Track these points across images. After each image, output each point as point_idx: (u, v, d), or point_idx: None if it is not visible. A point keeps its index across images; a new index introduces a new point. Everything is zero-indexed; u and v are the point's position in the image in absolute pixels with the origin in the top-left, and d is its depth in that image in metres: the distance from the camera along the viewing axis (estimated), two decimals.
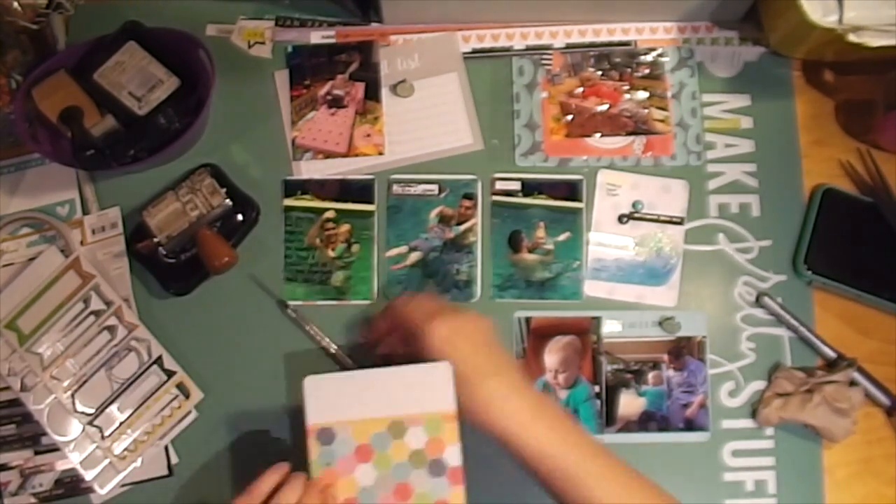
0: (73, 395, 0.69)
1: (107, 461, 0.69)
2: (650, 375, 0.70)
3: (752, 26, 0.77)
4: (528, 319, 0.71)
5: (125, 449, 0.69)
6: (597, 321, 0.71)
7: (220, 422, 0.70)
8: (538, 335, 0.71)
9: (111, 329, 0.71)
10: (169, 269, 0.71)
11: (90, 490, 0.69)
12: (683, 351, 0.70)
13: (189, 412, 0.70)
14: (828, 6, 0.67)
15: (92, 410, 0.69)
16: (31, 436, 0.70)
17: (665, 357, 0.70)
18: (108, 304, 0.71)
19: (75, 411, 0.69)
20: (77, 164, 0.71)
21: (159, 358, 0.70)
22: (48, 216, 0.73)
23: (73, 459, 0.69)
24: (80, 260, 0.71)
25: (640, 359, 0.70)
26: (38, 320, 0.70)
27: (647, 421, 0.69)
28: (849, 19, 0.66)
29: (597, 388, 0.70)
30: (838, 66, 0.76)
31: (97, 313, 0.71)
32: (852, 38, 0.67)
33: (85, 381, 0.70)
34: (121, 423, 0.69)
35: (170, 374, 0.70)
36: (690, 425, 0.69)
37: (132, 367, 0.70)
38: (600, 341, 0.70)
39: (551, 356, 0.70)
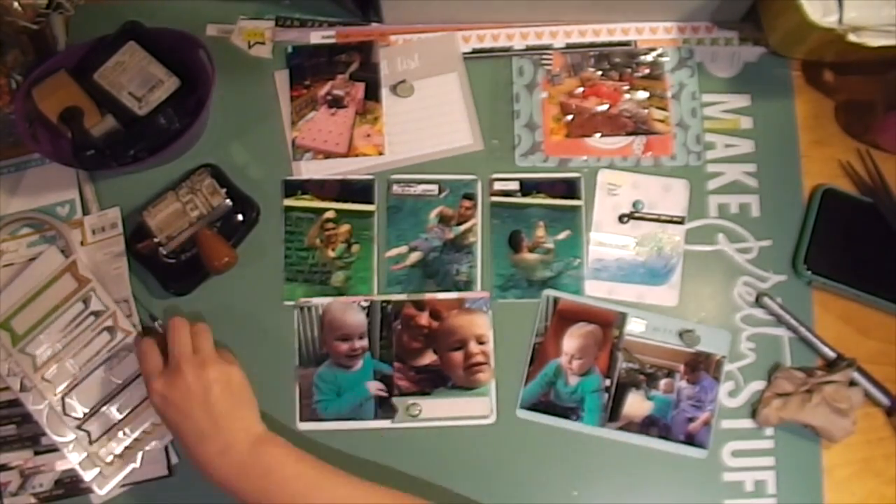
0: (62, 399, 0.69)
1: (100, 463, 0.69)
2: (662, 382, 0.70)
3: (752, 26, 0.77)
4: (556, 300, 0.71)
5: (125, 448, 0.69)
6: (622, 317, 0.71)
7: None
8: (562, 317, 0.71)
9: (111, 330, 0.71)
10: (169, 269, 0.71)
11: (90, 490, 0.69)
12: (700, 366, 0.70)
13: None
14: (828, 6, 0.67)
15: (81, 415, 0.69)
16: (31, 436, 0.70)
17: (681, 367, 0.70)
18: (105, 308, 0.71)
19: (65, 414, 0.69)
20: (77, 164, 0.71)
21: None
22: (48, 216, 0.73)
23: (71, 460, 0.69)
24: (76, 264, 0.71)
25: (656, 363, 0.70)
26: (33, 322, 0.70)
27: (650, 426, 0.69)
28: (849, 19, 0.66)
29: (607, 382, 0.70)
30: (838, 66, 0.76)
31: (97, 314, 0.71)
32: (852, 38, 0.67)
33: (79, 383, 0.70)
34: (116, 424, 0.69)
35: None
36: (691, 440, 0.69)
37: (131, 367, 0.70)
38: (621, 337, 0.70)
39: (571, 341, 0.71)
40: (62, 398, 0.69)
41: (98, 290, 0.71)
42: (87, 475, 0.68)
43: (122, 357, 0.70)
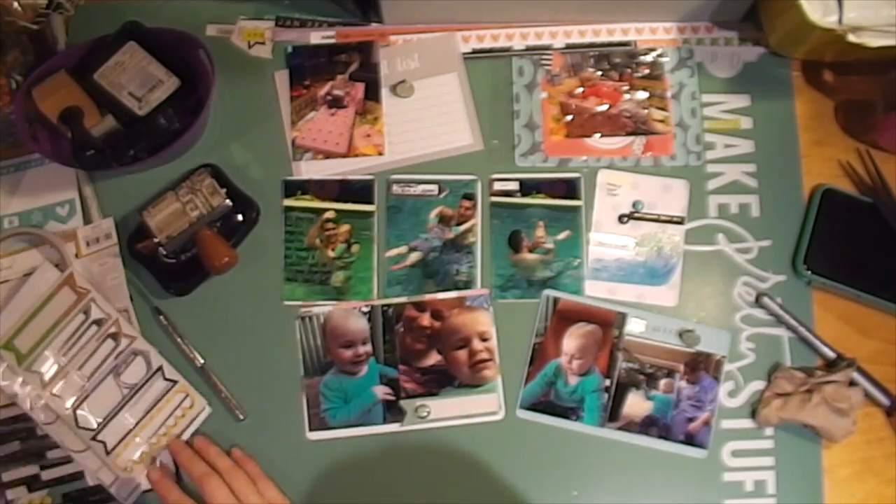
0: (74, 412, 0.69)
1: (119, 472, 0.68)
2: (662, 382, 0.70)
3: (751, 26, 0.77)
4: (556, 300, 0.71)
5: (142, 452, 0.68)
6: (622, 317, 0.71)
7: (229, 420, 0.70)
8: (562, 317, 0.71)
9: (114, 336, 0.70)
10: (169, 269, 0.71)
11: (102, 502, 0.68)
12: (700, 366, 0.70)
13: (203, 409, 0.69)
14: (828, 6, 0.67)
15: (95, 426, 0.68)
16: (36, 451, 0.69)
17: (681, 367, 0.70)
18: (107, 317, 0.70)
19: (78, 427, 0.68)
20: (77, 164, 0.71)
21: (160, 368, 0.70)
22: (41, 231, 0.73)
23: (92, 469, 0.68)
24: (73, 276, 0.71)
25: (656, 363, 0.70)
26: (36, 339, 0.70)
27: (650, 425, 0.69)
28: (849, 20, 0.66)
29: (607, 382, 0.70)
30: (838, 66, 0.76)
31: (99, 322, 0.70)
32: (852, 38, 0.67)
33: (89, 394, 0.69)
34: (131, 431, 0.69)
35: (173, 382, 0.70)
36: (691, 440, 0.69)
37: (141, 371, 0.70)
38: (621, 337, 0.70)
39: (571, 341, 0.71)
40: (74, 411, 0.69)
41: (98, 299, 0.70)
42: (109, 485, 0.68)
43: (129, 362, 0.70)
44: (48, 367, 0.69)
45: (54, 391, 0.69)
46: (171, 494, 0.65)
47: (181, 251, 0.71)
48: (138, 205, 0.72)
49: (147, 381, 0.70)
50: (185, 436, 0.69)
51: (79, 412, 0.69)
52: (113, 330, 0.70)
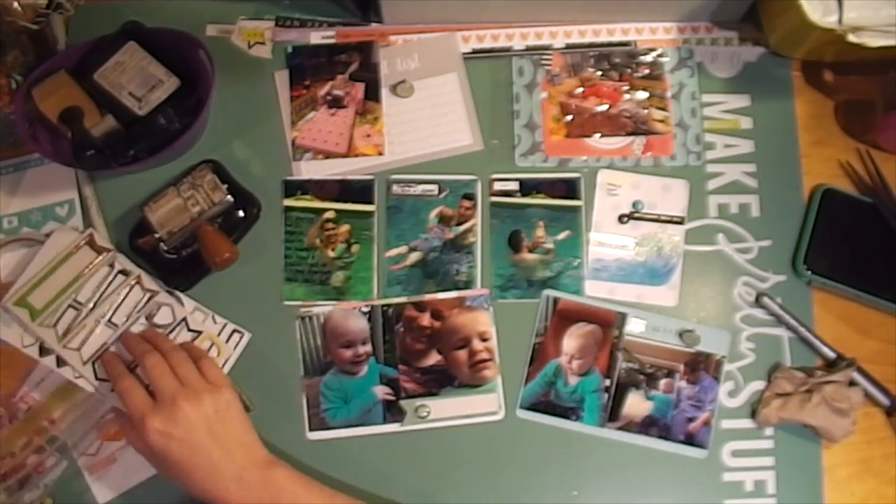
0: (92, 364, 0.68)
1: None
2: (662, 382, 0.70)
3: (751, 27, 0.77)
4: (556, 300, 0.71)
5: None
6: (622, 317, 0.71)
7: None
8: (562, 317, 0.71)
9: (141, 287, 0.71)
10: (170, 264, 0.71)
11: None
12: (700, 366, 0.70)
13: (229, 356, 0.70)
14: (828, 6, 0.67)
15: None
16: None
17: (681, 367, 0.70)
18: (132, 271, 0.71)
19: (96, 379, 0.68)
20: (77, 164, 0.71)
21: (184, 320, 0.71)
22: (41, 236, 0.72)
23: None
24: (94, 237, 0.71)
25: (656, 363, 0.70)
26: (52, 295, 0.69)
27: (650, 426, 0.69)
28: (849, 20, 0.66)
29: (607, 382, 0.70)
30: (838, 66, 0.76)
31: (126, 273, 0.71)
32: (852, 38, 0.67)
33: (114, 342, 0.69)
34: None
35: (198, 333, 0.71)
36: (691, 440, 0.69)
37: (167, 318, 0.71)
38: (621, 337, 0.70)
39: (571, 341, 0.71)
40: (92, 364, 0.68)
41: (119, 257, 0.71)
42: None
43: (158, 310, 0.70)
44: (66, 322, 0.69)
45: (71, 345, 0.68)
46: (123, 380, 0.64)
47: (182, 246, 0.71)
48: (138, 204, 0.72)
49: (174, 328, 0.70)
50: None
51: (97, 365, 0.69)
52: (137, 282, 0.71)
